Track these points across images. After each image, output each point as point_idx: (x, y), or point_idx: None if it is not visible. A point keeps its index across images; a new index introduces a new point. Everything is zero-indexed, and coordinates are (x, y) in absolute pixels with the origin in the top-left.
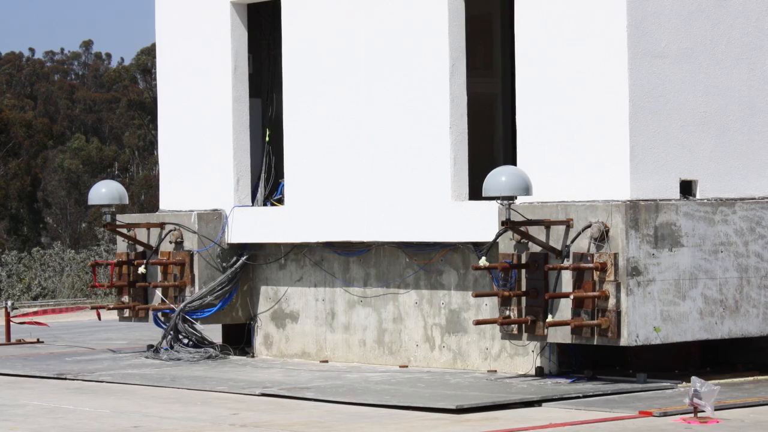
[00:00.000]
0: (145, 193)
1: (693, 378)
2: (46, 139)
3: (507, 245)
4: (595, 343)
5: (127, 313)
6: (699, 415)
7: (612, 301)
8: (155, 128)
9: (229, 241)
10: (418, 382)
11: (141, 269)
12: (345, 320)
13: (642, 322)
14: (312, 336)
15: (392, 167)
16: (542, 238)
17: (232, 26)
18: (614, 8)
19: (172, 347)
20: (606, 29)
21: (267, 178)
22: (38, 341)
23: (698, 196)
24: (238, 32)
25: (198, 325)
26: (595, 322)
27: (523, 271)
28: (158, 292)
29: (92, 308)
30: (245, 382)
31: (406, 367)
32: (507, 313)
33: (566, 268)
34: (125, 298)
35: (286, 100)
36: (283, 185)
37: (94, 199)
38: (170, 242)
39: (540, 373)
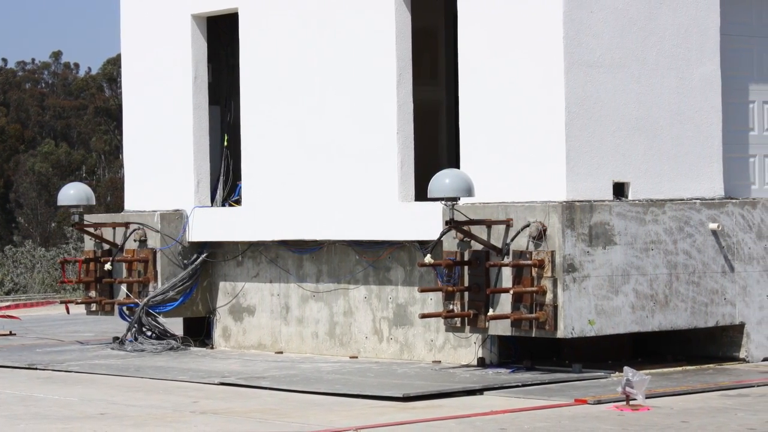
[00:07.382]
0: (111, 194)
1: (625, 368)
2: (18, 143)
3: (451, 243)
4: (533, 335)
5: (94, 307)
6: (631, 403)
7: (549, 296)
8: (120, 133)
9: (190, 240)
10: (367, 372)
11: (107, 266)
12: (299, 314)
13: (577, 315)
14: (268, 329)
15: (343, 170)
16: (484, 236)
17: (193, 37)
18: (551, 21)
19: (136, 339)
20: (543, 40)
21: (225, 180)
22: (10, 333)
23: (630, 197)
24: (198, 43)
25: (161, 319)
26: (533, 315)
27: (466, 267)
28: (123, 288)
29: (61, 303)
30: (205, 372)
31: (356, 357)
32: (451, 307)
33: (506, 265)
34: (92, 293)
35: (244, 106)
36: (240, 187)
37: (63, 200)
38: (135, 241)
39: (482, 363)
